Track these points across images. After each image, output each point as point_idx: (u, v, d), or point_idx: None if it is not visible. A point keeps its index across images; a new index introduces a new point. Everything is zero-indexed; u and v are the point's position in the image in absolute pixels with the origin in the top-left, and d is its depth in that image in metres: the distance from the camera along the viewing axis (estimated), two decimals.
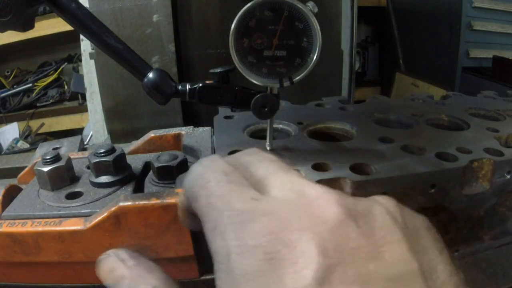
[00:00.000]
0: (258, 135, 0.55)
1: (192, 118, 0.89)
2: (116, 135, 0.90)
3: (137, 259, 0.30)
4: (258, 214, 0.22)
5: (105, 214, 0.39)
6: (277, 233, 0.20)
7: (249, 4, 0.40)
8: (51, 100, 2.33)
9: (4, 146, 2.14)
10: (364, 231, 0.21)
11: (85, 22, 0.40)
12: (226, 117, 0.61)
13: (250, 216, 0.22)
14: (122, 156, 0.48)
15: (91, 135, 1.19)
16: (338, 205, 0.22)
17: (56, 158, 0.46)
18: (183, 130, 0.59)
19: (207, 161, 0.27)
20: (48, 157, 0.46)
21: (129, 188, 0.46)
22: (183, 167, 0.48)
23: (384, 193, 0.42)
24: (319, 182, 0.41)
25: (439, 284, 0.20)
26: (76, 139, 0.71)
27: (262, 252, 0.20)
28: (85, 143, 0.98)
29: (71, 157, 0.50)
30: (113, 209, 0.39)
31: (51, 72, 2.36)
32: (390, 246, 0.20)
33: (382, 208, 0.23)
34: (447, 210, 0.47)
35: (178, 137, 0.59)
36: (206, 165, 0.26)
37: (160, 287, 0.27)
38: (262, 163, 0.27)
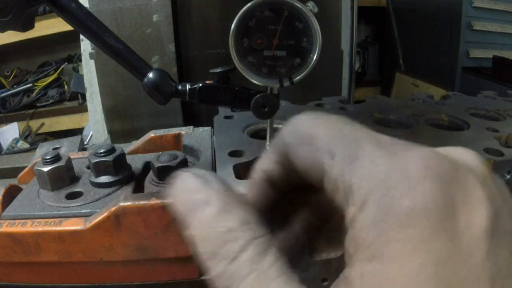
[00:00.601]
0: (258, 135, 0.56)
1: (192, 118, 0.89)
2: (116, 135, 0.90)
3: (224, 183, 0.23)
4: (412, 146, 0.19)
5: (105, 214, 0.39)
6: (444, 164, 0.18)
7: (249, 4, 0.40)
8: (51, 100, 2.33)
9: (4, 146, 2.14)
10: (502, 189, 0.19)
11: (85, 22, 0.40)
12: (226, 117, 0.61)
13: (404, 145, 0.19)
14: (122, 156, 0.48)
15: (91, 135, 1.19)
16: (481, 160, 0.20)
17: (56, 158, 0.46)
18: (183, 130, 0.59)
19: (311, 113, 0.22)
20: (48, 157, 0.46)
21: (129, 188, 0.47)
22: (183, 167, 0.48)
23: None
24: None
25: None
26: (76, 139, 0.71)
27: (437, 182, 0.17)
28: (85, 143, 0.98)
29: (71, 157, 0.50)
30: (113, 209, 0.39)
31: (51, 72, 2.36)
32: None
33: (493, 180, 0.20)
34: None
35: (178, 137, 0.59)
36: (312, 114, 0.22)
37: (252, 223, 0.21)
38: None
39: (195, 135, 0.58)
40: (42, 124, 2.33)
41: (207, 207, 0.21)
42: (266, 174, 0.24)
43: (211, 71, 0.44)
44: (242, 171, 0.45)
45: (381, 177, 0.18)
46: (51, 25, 2.01)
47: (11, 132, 2.23)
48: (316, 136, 0.21)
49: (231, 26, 0.41)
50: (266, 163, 0.24)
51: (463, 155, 0.20)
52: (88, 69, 1.16)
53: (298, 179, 0.23)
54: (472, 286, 0.16)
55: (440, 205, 0.17)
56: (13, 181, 0.52)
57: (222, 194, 0.21)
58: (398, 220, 0.17)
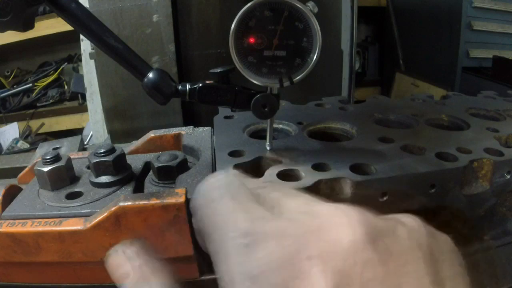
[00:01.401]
0: (258, 135, 0.55)
1: (192, 118, 0.89)
2: (116, 135, 0.90)
3: (144, 258, 0.29)
4: (264, 237, 0.20)
5: (105, 214, 0.39)
6: (285, 260, 0.18)
7: (249, 4, 0.40)
8: (51, 100, 2.33)
9: (4, 146, 2.14)
10: (383, 257, 0.18)
11: (85, 22, 0.40)
12: (226, 117, 0.61)
13: (256, 239, 0.20)
14: (122, 156, 0.48)
15: (91, 135, 1.19)
16: (354, 225, 0.19)
17: (56, 158, 0.46)
18: (183, 130, 0.59)
19: (212, 178, 0.26)
20: (48, 157, 0.46)
21: (129, 188, 0.46)
22: (183, 167, 0.48)
23: (384, 193, 0.42)
24: (319, 182, 0.41)
25: None
26: (76, 139, 0.71)
27: (268, 283, 0.18)
28: (85, 143, 0.98)
29: (71, 157, 0.50)
30: (113, 209, 0.39)
31: (51, 72, 2.36)
32: (410, 277, 0.18)
33: (405, 229, 0.20)
34: (447, 210, 0.47)
35: (178, 137, 0.59)
36: (211, 182, 0.25)
37: None
38: (275, 189, 0.25)
39: (195, 135, 0.58)
40: (42, 124, 2.33)
41: (126, 279, 0.27)
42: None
43: (211, 71, 0.44)
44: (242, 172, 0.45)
45: (230, 279, 0.20)
46: (51, 25, 2.01)
47: (11, 132, 2.23)
48: (203, 216, 0.25)
49: (231, 26, 0.41)
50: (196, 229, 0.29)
51: (332, 229, 0.20)
52: (88, 69, 1.16)
53: None
54: None
55: None
56: (13, 181, 0.52)
57: (141, 267, 0.27)
58: None
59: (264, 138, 0.49)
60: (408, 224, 0.21)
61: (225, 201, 0.23)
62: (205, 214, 0.24)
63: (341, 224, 0.19)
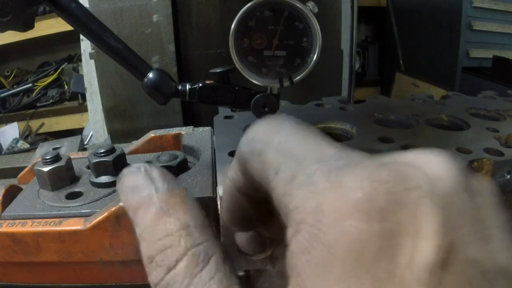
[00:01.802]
0: None
1: (192, 118, 0.89)
2: (116, 135, 0.90)
3: (171, 183, 0.21)
4: (359, 160, 0.17)
5: (105, 214, 0.39)
6: (389, 185, 0.15)
7: (249, 4, 0.40)
8: (51, 100, 2.33)
9: (4, 146, 2.14)
10: (477, 206, 0.16)
11: (85, 22, 0.40)
12: (226, 117, 0.61)
13: (348, 161, 0.16)
14: (122, 156, 0.48)
15: (91, 135, 1.19)
16: (452, 167, 0.16)
17: (56, 158, 0.46)
18: (183, 130, 0.59)
19: (269, 119, 0.21)
20: (48, 157, 0.46)
21: None
22: (183, 167, 0.48)
23: None
24: None
25: None
26: (76, 139, 0.71)
27: (370, 208, 0.15)
28: (85, 143, 0.98)
29: (71, 157, 0.50)
30: (113, 209, 0.39)
31: (51, 72, 2.36)
32: (496, 230, 0.16)
33: (487, 185, 0.17)
34: None
35: (178, 137, 0.59)
36: (269, 121, 0.21)
37: (193, 228, 0.19)
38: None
39: (195, 135, 0.58)
40: (42, 124, 2.33)
41: (148, 208, 0.20)
42: (233, 182, 0.23)
43: (211, 71, 0.44)
44: None
45: (313, 206, 0.16)
46: (51, 25, 2.01)
47: (11, 132, 2.23)
48: (265, 149, 0.19)
49: (231, 26, 0.41)
50: (231, 172, 0.23)
51: (428, 165, 0.16)
52: (88, 69, 1.16)
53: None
54: None
55: (367, 244, 0.15)
56: (13, 181, 0.52)
57: (164, 194, 0.20)
58: (321, 255, 0.15)
59: None
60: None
61: (298, 128, 0.19)
62: (271, 143, 0.19)
63: (439, 164, 0.16)
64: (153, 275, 0.19)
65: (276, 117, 0.21)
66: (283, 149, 0.19)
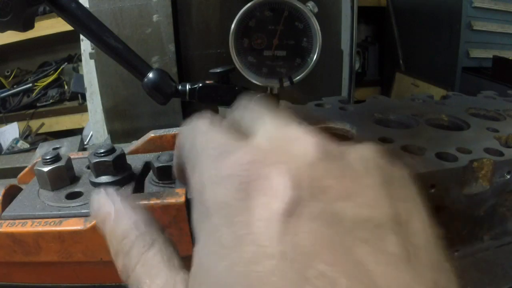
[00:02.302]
0: None
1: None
2: (116, 135, 0.90)
3: (123, 195, 0.29)
4: (238, 147, 0.22)
5: None
6: (253, 163, 0.20)
7: (249, 4, 0.40)
8: (51, 100, 2.33)
9: (4, 146, 2.14)
10: (342, 172, 0.20)
11: (85, 22, 0.40)
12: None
13: (230, 148, 0.22)
14: (122, 156, 0.48)
15: (91, 135, 1.19)
16: (317, 145, 0.21)
17: (56, 158, 0.46)
18: None
19: (195, 119, 0.27)
20: (48, 157, 0.46)
21: (129, 188, 0.46)
22: None
23: None
24: None
25: (410, 232, 0.19)
26: (76, 139, 0.71)
27: (236, 181, 0.20)
28: (85, 143, 0.98)
29: (71, 157, 0.50)
30: None
31: (51, 72, 2.36)
32: (366, 189, 0.20)
33: (364, 152, 0.22)
34: (447, 210, 0.47)
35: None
36: (193, 121, 0.27)
37: (140, 223, 0.26)
38: (251, 113, 0.27)
39: None
40: (42, 124, 2.33)
41: (109, 217, 0.26)
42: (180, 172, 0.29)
43: (211, 71, 0.44)
44: None
45: (202, 181, 0.22)
46: (51, 25, 2.01)
47: (11, 132, 2.23)
48: (183, 145, 0.26)
49: (231, 26, 0.41)
50: (174, 162, 0.30)
51: (298, 143, 0.22)
52: (88, 69, 1.16)
53: None
54: (257, 261, 0.17)
55: (237, 198, 0.19)
56: (13, 181, 0.52)
57: (119, 204, 0.27)
58: (203, 214, 0.21)
59: None
60: (366, 148, 0.23)
61: (205, 125, 0.25)
62: (186, 141, 0.26)
63: (305, 144, 0.21)
64: (118, 264, 0.25)
65: (196, 117, 0.28)
66: (192, 145, 0.25)
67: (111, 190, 0.29)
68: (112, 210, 0.27)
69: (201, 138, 0.24)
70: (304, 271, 0.16)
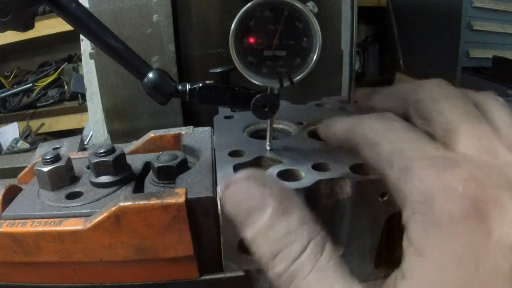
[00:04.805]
0: (258, 135, 0.55)
1: (192, 118, 0.89)
2: (116, 135, 0.90)
3: (281, 184, 0.24)
4: (457, 161, 0.21)
5: (105, 214, 0.39)
6: (478, 181, 0.20)
7: (249, 4, 0.40)
8: (51, 100, 2.33)
9: (4, 146, 2.14)
10: None
11: (85, 22, 0.40)
12: (226, 117, 0.61)
13: (449, 162, 0.21)
14: (122, 156, 0.48)
15: (91, 135, 1.19)
16: None
17: (56, 158, 0.46)
18: (183, 130, 0.59)
19: (379, 114, 0.26)
20: (48, 157, 0.46)
21: (129, 188, 0.47)
22: (183, 167, 0.48)
23: (383, 193, 0.42)
24: (319, 182, 0.41)
25: None
26: (76, 139, 0.71)
27: (469, 196, 0.19)
28: (85, 143, 0.98)
29: (71, 157, 0.50)
30: (113, 209, 0.39)
31: (51, 72, 2.36)
32: None
33: None
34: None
35: (178, 137, 0.59)
36: (380, 118, 0.26)
37: (308, 220, 0.22)
38: (446, 104, 0.25)
39: (195, 135, 0.58)
40: (42, 124, 2.33)
41: (264, 212, 0.22)
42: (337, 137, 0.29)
43: (211, 71, 0.44)
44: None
45: (427, 191, 0.21)
46: (51, 25, 2.01)
47: (11, 132, 2.23)
48: (379, 144, 0.24)
49: (231, 26, 0.41)
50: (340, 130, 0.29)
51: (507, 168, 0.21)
52: (88, 69, 1.16)
53: None
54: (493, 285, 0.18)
55: (474, 217, 0.19)
56: (13, 181, 0.52)
57: (279, 196, 0.22)
58: (431, 225, 0.20)
59: (264, 138, 0.49)
60: None
61: (407, 129, 0.25)
62: (386, 139, 0.25)
63: None
64: (277, 268, 0.22)
65: (383, 115, 0.26)
66: (395, 148, 0.23)
67: (260, 173, 0.24)
68: (269, 202, 0.22)
69: (409, 145, 0.23)
70: None
